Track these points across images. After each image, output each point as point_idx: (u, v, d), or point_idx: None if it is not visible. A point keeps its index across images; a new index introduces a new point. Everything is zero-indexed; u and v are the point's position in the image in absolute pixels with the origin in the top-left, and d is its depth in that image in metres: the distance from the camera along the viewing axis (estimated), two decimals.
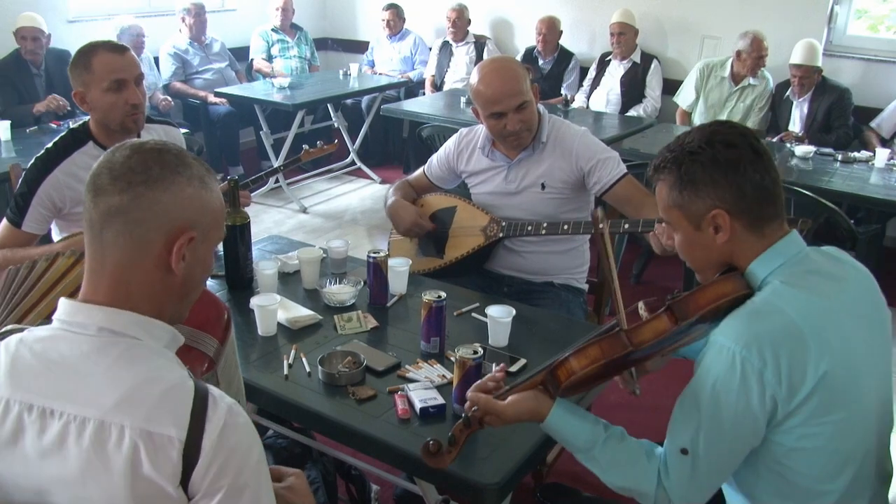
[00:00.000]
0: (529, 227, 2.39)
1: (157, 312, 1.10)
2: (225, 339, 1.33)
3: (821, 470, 1.33)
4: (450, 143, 2.64)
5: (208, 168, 1.14)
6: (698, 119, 4.98)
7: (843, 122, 4.52)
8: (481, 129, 2.55)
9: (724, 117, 4.85)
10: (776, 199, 1.35)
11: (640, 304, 1.51)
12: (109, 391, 1.00)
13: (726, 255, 1.37)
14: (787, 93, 4.67)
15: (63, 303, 1.08)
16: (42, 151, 2.26)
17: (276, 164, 5.42)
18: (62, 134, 2.33)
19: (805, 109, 4.60)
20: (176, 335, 1.13)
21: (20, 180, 2.26)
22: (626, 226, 2.22)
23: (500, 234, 2.44)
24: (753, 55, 4.67)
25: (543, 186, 2.44)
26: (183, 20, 5.54)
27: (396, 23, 6.21)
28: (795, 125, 4.64)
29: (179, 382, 1.03)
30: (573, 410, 1.42)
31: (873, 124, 4.50)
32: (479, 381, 1.49)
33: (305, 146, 2.80)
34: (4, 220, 2.24)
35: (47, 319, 1.13)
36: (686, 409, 1.33)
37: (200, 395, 1.02)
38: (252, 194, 2.47)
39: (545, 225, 2.37)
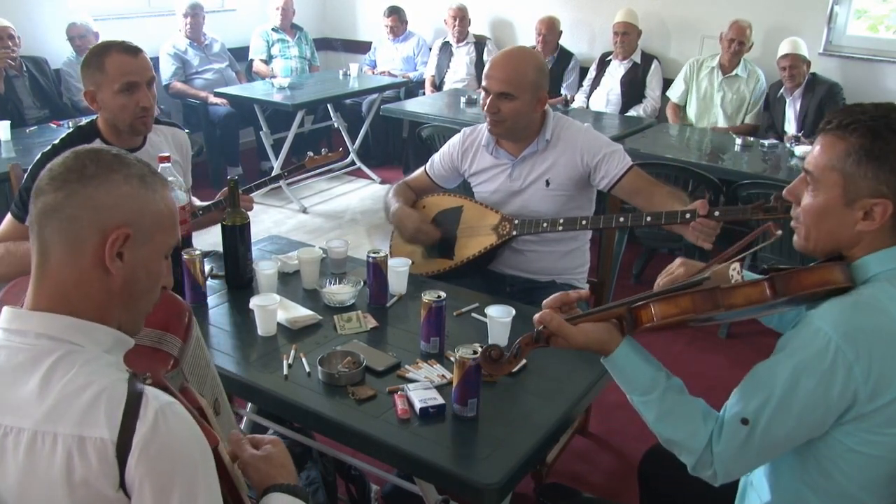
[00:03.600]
0: (545, 224, 2.35)
1: (100, 317, 1.08)
2: (187, 337, 1.31)
3: (869, 479, 1.30)
4: (454, 141, 2.63)
5: (154, 171, 1.13)
6: (691, 112, 5.02)
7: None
8: (485, 128, 2.54)
9: (716, 109, 4.92)
10: None
11: (735, 266, 1.42)
12: (41, 401, 1.00)
13: (852, 241, 1.30)
14: (781, 90, 4.68)
15: (5, 311, 1.08)
16: (49, 147, 2.27)
17: (275, 165, 5.44)
18: (69, 131, 2.33)
19: (797, 106, 4.61)
20: (120, 338, 1.11)
21: (26, 175, 2.27)
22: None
23: (514, 232, 2.41)
24: (729, 36, 4.76)
25: (548, 183, 2.43)
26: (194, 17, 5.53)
27: (399, 27, 6.23)
28: (791, 124, 4.65)
29: (111, 385, 1.01)
30: (639, 351, 1.40)
31: None
32: (552, 297, 1.45)
33: (310, 153, 2.80)
34: (8, 215, 2.25)
35: None
36: (759, 380, 1.30)
37: (133, 396, 1.01)
38: (252, 194, 2.47)
39: (562, 220, 2.33)
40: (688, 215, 2.07)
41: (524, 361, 1.81)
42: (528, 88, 2.32)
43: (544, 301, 1.46)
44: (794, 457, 1.35)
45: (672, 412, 1.36)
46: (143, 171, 1.10)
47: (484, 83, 2.38)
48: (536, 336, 1.41)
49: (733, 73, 4.86)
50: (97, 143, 2.27)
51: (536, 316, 1.42)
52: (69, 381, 1.01)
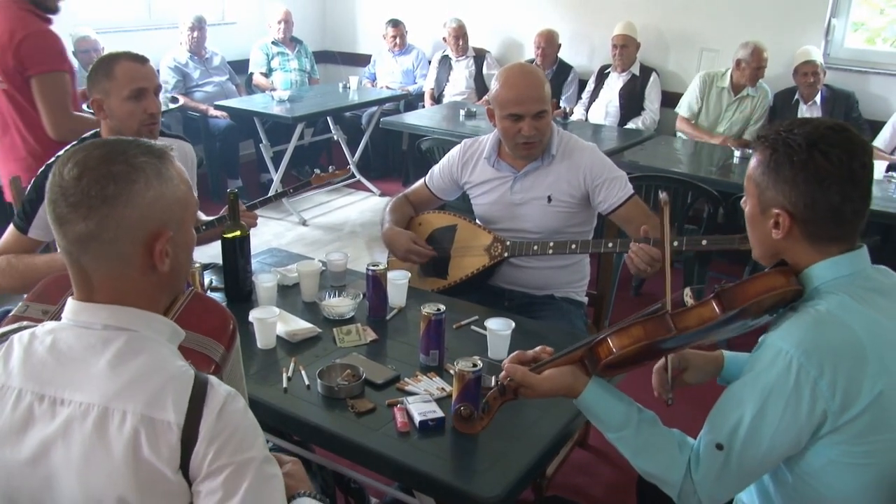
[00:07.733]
0: (536, 248, 2.36)
1: (155, 305, 1.13)
2: (231, 347, 1.35)
3: (851, 489, 1.30)
4: (453, 153, 2.63)
5: (160, 153, 1.11)
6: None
7: (860, 122, 4.62)
8: (486, 140, 2.54)
9: (722, 127, 4.91)
10: (847, 226, 1.32)
11: (686, 291, 1.50)
12: (113, 378, 1.04)
13: (779, 249, 1.36)
14: (795, 97, 4.71)
15: (70, 302, 1.11)
16: (53, 159, 2.27)
17: (275, 178, 5.45)
18: (73, 143, 2.33)
19: (818, 115, 4.62)
20: (176, 329, 1.16)
21: (29, 187, 2.27)
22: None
23: (506, 254, 2.41)
24: (753, 65, 4.72)
25: (550, 199, 2.44)
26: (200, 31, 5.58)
27: (402, 38, 6.25)
28: None
29: (180, 372, 1.07)
30: (608, 389, 1.42)
31: (878, 143, 4.48)
32: (517, 353, 1.49)
33: (316, 170, 2.81)
34: (11, 226, 2.25)
35: None
36: (730, 405, 1.31)
37: (200, 383, 1.06)
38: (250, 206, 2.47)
39: (552, 244, 2.34)
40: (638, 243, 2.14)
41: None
42: (548, 100, 2.37)
43: (507, 359, 1.49)
44: (779, 475, 1.35)
45: (648, 446, 1.38)
46: (155, 165, 1.09)
47: (516, 110, 2.32)
48: (502, 389, 1.42)
49: (744, 92, 4.84)
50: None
51: (501, 374, 1.45)
52: (141, 362, 1.05)
